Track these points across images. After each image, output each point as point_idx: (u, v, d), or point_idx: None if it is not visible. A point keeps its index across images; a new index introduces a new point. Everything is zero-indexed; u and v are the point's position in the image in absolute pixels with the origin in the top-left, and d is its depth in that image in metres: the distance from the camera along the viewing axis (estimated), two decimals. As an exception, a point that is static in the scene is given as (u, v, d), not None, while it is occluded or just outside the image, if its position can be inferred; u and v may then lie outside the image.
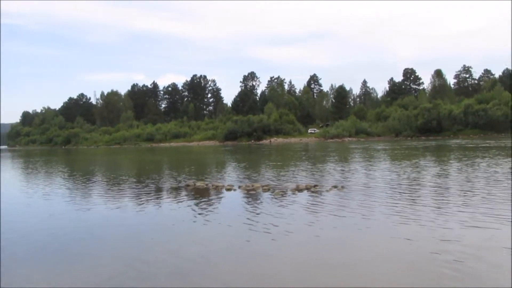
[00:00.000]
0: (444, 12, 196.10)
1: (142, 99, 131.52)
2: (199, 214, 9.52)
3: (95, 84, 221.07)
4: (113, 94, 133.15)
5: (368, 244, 6.67)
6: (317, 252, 6.35)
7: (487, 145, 36.78)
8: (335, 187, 12.64)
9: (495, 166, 17.43)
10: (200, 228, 8.23)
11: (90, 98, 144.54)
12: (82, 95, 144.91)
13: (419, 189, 12.13)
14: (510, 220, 7.66)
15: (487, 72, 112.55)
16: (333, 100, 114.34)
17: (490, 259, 5.65)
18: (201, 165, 27.58)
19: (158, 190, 13.92)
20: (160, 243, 7.15)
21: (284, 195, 11.63)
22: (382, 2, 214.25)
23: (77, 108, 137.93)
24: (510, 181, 12.64)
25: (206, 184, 14.25)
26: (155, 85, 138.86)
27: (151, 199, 11.99)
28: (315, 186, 12.85)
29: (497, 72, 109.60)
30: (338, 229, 7.71)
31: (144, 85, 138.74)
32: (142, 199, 12.06)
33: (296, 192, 12.07)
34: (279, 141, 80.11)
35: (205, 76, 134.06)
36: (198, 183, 14.42)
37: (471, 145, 37.29)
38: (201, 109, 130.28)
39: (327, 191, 12.04)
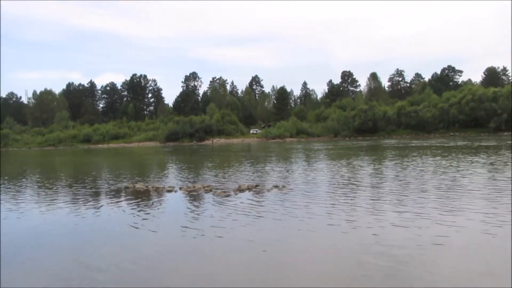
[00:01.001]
0: (379, 17, 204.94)
1: (78, 98, 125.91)
2: (138, 216, 9.32)
3: (27, 83, 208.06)
4: (47, 93, 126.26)
5: (306, 244, 6.87)
6: (254, 252, 6.44)
7: (419, 144, 39.01)
8: (276, 186, 12.86)
9: (426, 164, 18.54)
10: (138, 230, 8.06)
11: (21, 98, 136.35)
12: (12, 94, 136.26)
13: (355, 188, 12.63)
14: (438, 217, 8.20)
15: (418, 76, 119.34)
16: (275, 101, 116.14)
17: (422, 258, 5.97)
18: (141, 166, 26.94)
19: (96, 193, 13.45)
20: (97, 247, 6.94)
21: (226, 195, 11.67)
22: (321, 5, 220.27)
23: (6, 108, 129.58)
24: (436, 178, 13.52)
25: (146, 186, 13.97)
26: (92, 84, 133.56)
27: (88, 203, 11.55)
28: (256, 186, 13.00)
29: (427, 76, 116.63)
30: (278, 229, 7.87)
31: (80, 84, 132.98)
32: (79, 202, 11.60)
33: (238, 192, 12.14)
34: (221, 141, 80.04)
35: (145, 76, 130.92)
36: (138, 185, 14.10)
37: (401, 145, 39.37)
38: (141, 109, 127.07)
39: (268, 191, 12.23)
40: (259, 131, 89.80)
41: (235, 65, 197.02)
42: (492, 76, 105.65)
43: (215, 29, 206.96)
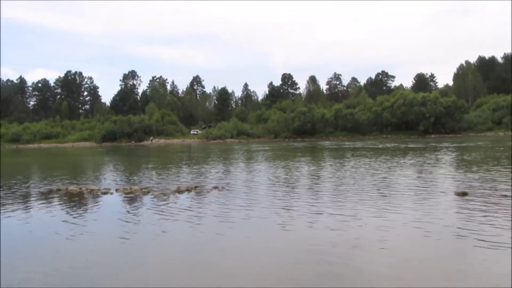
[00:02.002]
0: (319, 22, 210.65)
1: (6, 95, 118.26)
2: (70, 220, 8.89)
3: None
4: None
5: (239, 245, 6.91)
6: (191, 254, 6.38)
7: (352, 146, 40.57)
8: (216, 187, 12.82)
9: (358, 165, 19.31)
10: (71, 235, 7.68)
11: None
12: None
13: (291, 188, 12.89)
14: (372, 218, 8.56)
15: (354, 80, 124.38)
16: (216, 102, 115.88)
17: (355, 258, 6.21)
18: (75, 167, 25.80)
19: (24, 196, 12.68)
20: (26, 254, 6.54)
21: (165, 197, 11.46)
22: (263, 8, 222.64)
23: None
24: (368, 179, 14.14)
25: (80, 188, 13.39)
26: (22, 80, 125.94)
27: (15, 206, 10.84)
28: (196, 187, 12.88)
29: (363, 80, 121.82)
30: (216, 230, 7.83)
31: (9, 80, 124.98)
32: (4, 206, 10.86)
33: (177, 194, 11.97)
34: (161, 142, 78.53)
35: (80, 73, 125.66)
36: (71, 187, 13.49)
37: (336, 147, 40.78)
38: (76, 108, 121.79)
39: (207, 192, 12.16)
40: (200, 132, 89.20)
41: (176, 64, 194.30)
42: (421, 81, 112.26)
43: (154, 27, 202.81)
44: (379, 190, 11.85)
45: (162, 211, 9.48)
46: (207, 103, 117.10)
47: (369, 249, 6.27)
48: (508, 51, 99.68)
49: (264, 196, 11.44)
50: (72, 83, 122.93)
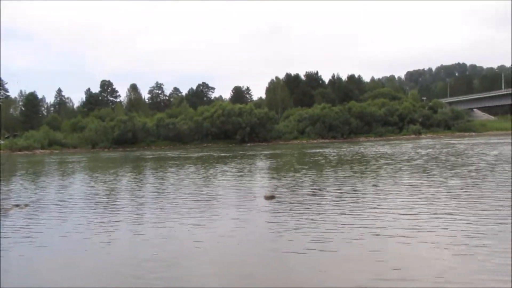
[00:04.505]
0: (143, 29, 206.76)
1: None
2: None
3: None
4: None
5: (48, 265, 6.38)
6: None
7: (174, 155, 40.95)
8: (17, 205, 11.46)
9: (179, 174, 19.62)
10: None
11: None
12: None
13: (113, 201, 12.38)
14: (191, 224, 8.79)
15: (176, 90, 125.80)
16: (23, 108, 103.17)
17: (181, 263, 6.31)
18: None
19: None
20: None
21: None
22: (83, 8, 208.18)
23: None
24: (191, 187, 14.51)
25: None
26: None
27: None
28: (-9, 206, 11.28)
29: (184, 91, 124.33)
30: (18, 250, 7.04)
31: None
32: None
33: (-34, 215, 10.28)
34: (-50, 154, 66.15)
35: None
36: None
37: (153, 156, 40.71)
38: None
39: (6, 210, 10.78)
40: (3, 142, 78.18)
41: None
42: (239, 94, 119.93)
43: None
44: (195, 197, 12.25)
45: None
46: (11, 109, 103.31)
47: (198, 252, 6.46)
48: (309, 69, 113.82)
49: (78, 212, 10.70)
50: None
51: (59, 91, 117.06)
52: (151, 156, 41.05)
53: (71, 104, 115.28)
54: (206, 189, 13.99)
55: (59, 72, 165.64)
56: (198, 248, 6.94)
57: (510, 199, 9.79)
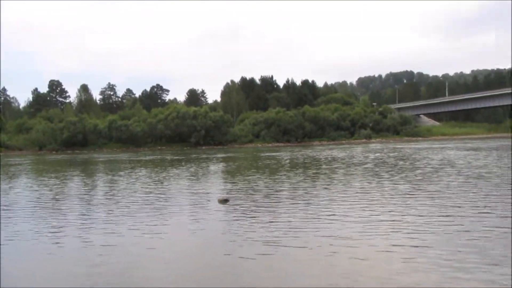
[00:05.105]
0: (93, 29, 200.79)
1: None
2: None
3: None
4: None
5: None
6: None
7: (127, 158, 39.97)
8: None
9: (133, 178, 19.15)
10: None
11: None
12: None
13: (59, 206, 11.90)
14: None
15: (129, 91, 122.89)
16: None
17: (133, 265, 6.12)
18: None
19: None
20: None
21: None
22: (34, 6, 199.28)
23: None
24: (142, 190, 14.19)
25: None
26: None
27: None
28: None
29: (138, 92, 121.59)
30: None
31: None
32: None
33: None
34: None
35: None
36: None
37: (108, 159, 39.59)
38: None
39: None
40: None
41: None
42: (193, 96, 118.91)
43: None
44: (146, 202, 11.99)
45: None
46: None
47: (150, 254, 6.30)
48: (264, 74, 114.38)
49: (15, 218, 10.18)
50: None
51: (4, 90, 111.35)
52: (101, 159, 39.83)
53: (16, 104, 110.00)
54: (157, 193, 13.73)
55: (3, 71, 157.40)
56: (148, 255, 6.78)
57: (457, 202, 10.27)
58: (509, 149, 33.03)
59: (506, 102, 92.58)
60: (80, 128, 73.21)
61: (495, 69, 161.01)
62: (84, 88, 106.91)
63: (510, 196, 10.83)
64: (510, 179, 14.14)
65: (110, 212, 10.59)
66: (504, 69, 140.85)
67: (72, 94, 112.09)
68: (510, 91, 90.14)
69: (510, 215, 8.58)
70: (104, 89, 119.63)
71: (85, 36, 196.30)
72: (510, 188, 12.25)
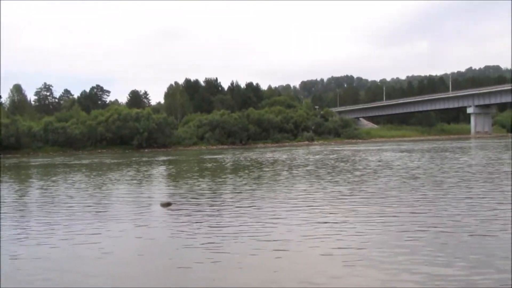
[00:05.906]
0: (22, 26, 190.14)
1: None
2: None
3: None
4: None
5: None
6: None
7: (64, 162, 38.11)
8: None
9: (71, 183, 18.21)
10: None
11: None
12: None
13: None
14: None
15: (67, 92, 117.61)
16: None
17: (82, 267, 5.71)
18: None
19: None
20: None
21: None
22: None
23: None
24: (86, 194, 13.50)
25: None
26: None
27: None
28: None
29: (76, 93, 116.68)
30: None
31: None
32: None
33: None
34: None
35: None
36: None
37: (44, 163, 37.63)
38: None
39: None
40: None
41: None
42: (136, 98, 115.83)
43: None
44: (81, 208, 11.41)
45: None
46: None
47: (101, 256, 5.93)
48: (208, 76, 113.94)
49: None
50: None
51: None
52: (34, 163, 37.68)
53: None
54: (94, 199, 13.13)
55: None
56: (81, 266, 6.36)
57: (394, 202, 10.61)
58: (441, 150, 34.99)
59: (438, 106, 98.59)
60: (13, 130, 68.92)
61: (428, 75, 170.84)
62: (17, 88, 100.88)
63: (443, 196, 11.38)
64: (442, 180, 14.89)
65: (40, 221, 9.92)
66: (436, 75, 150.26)
67: (4, 95, 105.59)
68: (441, 96, 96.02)
69: (445, 215, 9.00)
70: (39, 90, 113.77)
71: (19, 33, 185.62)
72: (443, 188, 12.90)
